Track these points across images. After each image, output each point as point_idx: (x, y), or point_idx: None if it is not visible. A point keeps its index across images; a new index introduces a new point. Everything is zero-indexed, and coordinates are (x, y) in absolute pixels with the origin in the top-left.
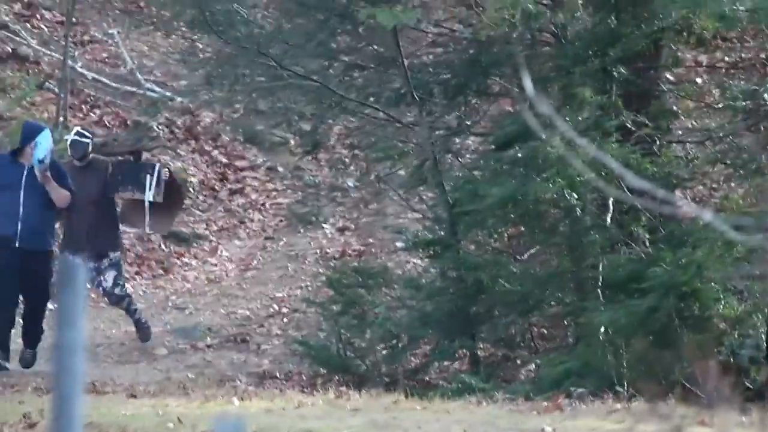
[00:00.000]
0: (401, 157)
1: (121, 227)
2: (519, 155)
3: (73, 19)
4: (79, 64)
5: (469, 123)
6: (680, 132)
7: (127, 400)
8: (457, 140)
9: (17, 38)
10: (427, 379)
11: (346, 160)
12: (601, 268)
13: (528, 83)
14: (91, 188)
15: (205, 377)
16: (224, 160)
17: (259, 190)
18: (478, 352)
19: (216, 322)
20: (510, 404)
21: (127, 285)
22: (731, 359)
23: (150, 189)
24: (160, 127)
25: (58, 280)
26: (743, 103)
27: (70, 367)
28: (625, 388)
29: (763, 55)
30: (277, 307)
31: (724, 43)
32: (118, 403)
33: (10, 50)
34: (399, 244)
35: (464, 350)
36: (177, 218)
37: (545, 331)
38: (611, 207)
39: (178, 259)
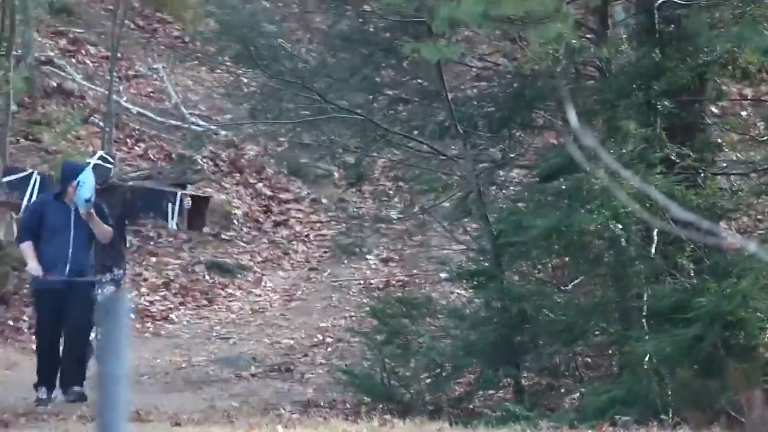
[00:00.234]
0: (445, 189)
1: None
2: (563, 187)
3: (118, 54)
4: (124, 98)
5: (513, 155)
6: (725, 164)
7: (172, 429)
8: (502, 172)
9: (63, 73)
10: (472, 407)
11: (390, 192)
12: (645, 298)
13: (572, 116)
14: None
15: (249, 406)
16: (268, 193)
17: (303, 221)
18: (523, 381)
19: (260, 352)
20: None
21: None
22: None
23: (173, 217)
24: (204, 160)
25: (101, 312)
26: None
27: (114, 396)
28: (670, 416)
29: None
30: (321, 337)
31: None
32: None
33: (55, 85)
34: (443, 275)
35: (508, 379)
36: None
37: (590, 360)
38: (656, 238)
39: (222, 289)
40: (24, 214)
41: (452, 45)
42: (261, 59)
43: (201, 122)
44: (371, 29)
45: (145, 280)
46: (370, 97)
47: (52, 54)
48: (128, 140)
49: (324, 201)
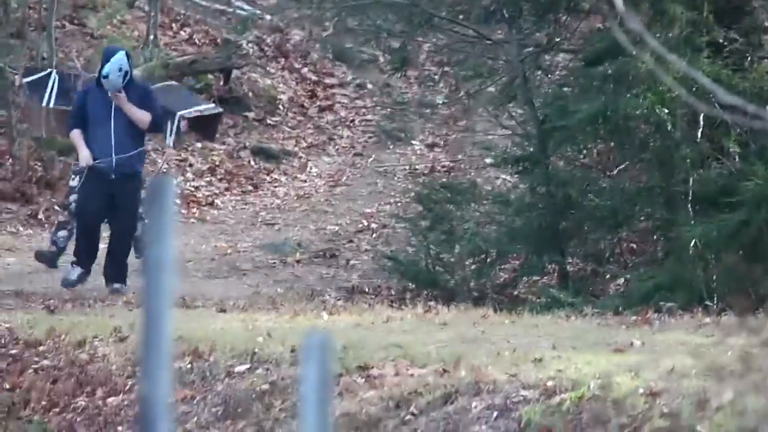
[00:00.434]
0: (491, 74)
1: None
2: (609, 71)
3: None
4: None
5: (558, 40)
6: None
7: (217, 315)
8: (547, 57)
9: None
10: (516, 293)
11: (435, 77)
12: (691, 183)
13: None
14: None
15: (294, 292)
16: (313, 78)
17: (348, 107)
18: (567, 267)
19: (305, 238)
20: (599, 318)
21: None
22: None
23: (171, 135)
24: (249, 45)
25: (147, 196)
26: None
27: (160, 282)
28: (715, 302)
29: None
30: (365, 223)
31: None
32: (208, 318)
33: None
34: (488, 160)
35: (553, 265)
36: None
37: (634, 246)
38: (701, 122)
39: (267, 175)
40: (73, 101)
41: None
42: None
43: (246, 6)
44: None
45: (191, 165)
46: None
47: None
48: (173, 25)
49: (369, 86)
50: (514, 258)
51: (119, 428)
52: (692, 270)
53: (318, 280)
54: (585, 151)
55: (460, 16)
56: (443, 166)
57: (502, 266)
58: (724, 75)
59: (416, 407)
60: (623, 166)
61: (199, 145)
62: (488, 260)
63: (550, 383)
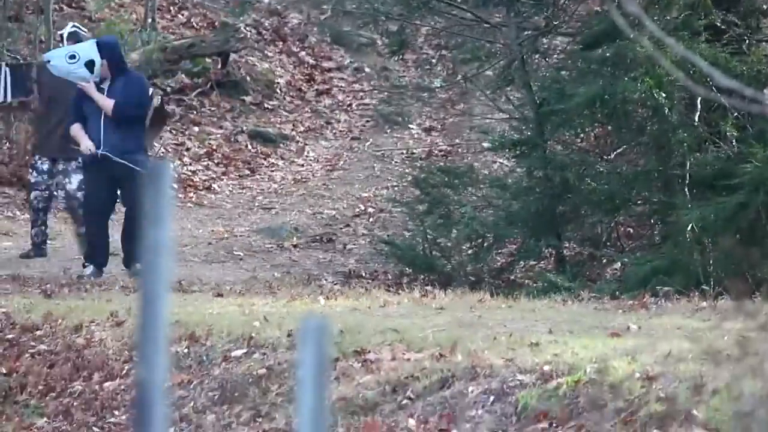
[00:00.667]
0: (488, 58)
1: None
2: (607, 55)
3: None
4: None
5: (556, 23)
6: None
7: (214, 299)
8: (545, 40)
9: None
10: (513, 278)
11: (433, 60)
12: (688, 166)
13: None
14: (73, 89)
15: (291, 276)
16: (311, 61)
17: (345, 90)
18: (564, 251)
19: (302, 222)
20: (595, 303)
21: None
22: None
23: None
24: (247, 28)
25: (144, 179)
26: None
27: (157, 266)
28: (712, 286)
29: None
30: (363, 207)
31: None
32: (204, 302)
33: None
34: (485, 144)
35: (550, 249)
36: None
37: (631, 230)
38: (699, 106)
39: (264, 159)
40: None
41: None
42: None
43: None
44: None
45: (188, 149)
46: None
47: None
48: (171, 8)
49: (367, 70)
50: (511, 242)
51: (116, 413)
52: (689, 254)
53: (315, 265)
54: (582, 135)
55: None
56: (440, 150)
57: (499, 250)
58: (722, 58)
59: (413, 392)
60: (620, 149)
61: (196, 129)
62: (485, 244)
63: (546, 368)
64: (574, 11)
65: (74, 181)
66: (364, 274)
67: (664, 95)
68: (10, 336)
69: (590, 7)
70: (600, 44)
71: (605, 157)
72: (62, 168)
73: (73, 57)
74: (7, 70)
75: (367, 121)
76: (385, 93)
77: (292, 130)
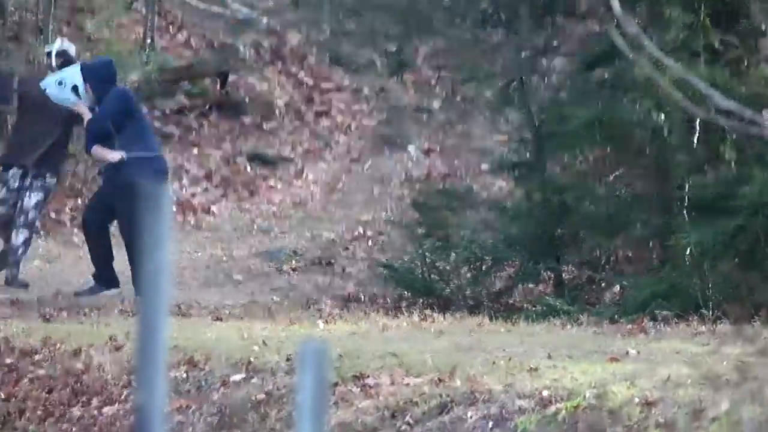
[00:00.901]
0: (487, 79)
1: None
2: (606, 76)
3: None
4: None
5: (555, 43)
6: None
7: (213, 323)
8: (544, 61)
9: None
10: (512, 301)
11: (432, 81)
12: (687, 189)
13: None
14: (58, 108)
15: (290, 300)
16: (310, 82)
17: (344, 112)
18: (563, 275)
19: (301, 245)
20: (595, 327)
21: (38, 224)
22: None
23: None
24: (246, 49)
25: (143, 203)
26: None
27: (156, 290)
28: (711, 310)
29: None
30: (362, 230)
31: None
32: (203, 326)
33: None
34: (484, 166)
35: (549, 273)
36: None
37: (630, 254)
38: (698, 128)
39: (263, 181)
40: None
41: None
42: None
43: (243, 9)
44: None
45: (187, 171)
46: None
47: None
48: (170, 27)
49: (366, 91)
50: (509, 265)
51: None
52: (688, 278)
53: (314, 288)
54: (581, 157)
55: (457, 20)
56: (439, 172)
57: (498, 274)
58: (721, 79)
59: (412, 417)
60: (619, 172)
61: (195, 150)
62: (484, 268)
63: (545, 393)
64: (573, 31)
65: (33, 198)
66: (363, 298)
67: (663, 117)
68: (8, 360)
69: (589, 27)
70: (599, 65)
71: (604, 179)
72: (29, 182)
73: (60, 83)
74: None
75: (367, 143)
76: (384, 114)
77: (291, 151)
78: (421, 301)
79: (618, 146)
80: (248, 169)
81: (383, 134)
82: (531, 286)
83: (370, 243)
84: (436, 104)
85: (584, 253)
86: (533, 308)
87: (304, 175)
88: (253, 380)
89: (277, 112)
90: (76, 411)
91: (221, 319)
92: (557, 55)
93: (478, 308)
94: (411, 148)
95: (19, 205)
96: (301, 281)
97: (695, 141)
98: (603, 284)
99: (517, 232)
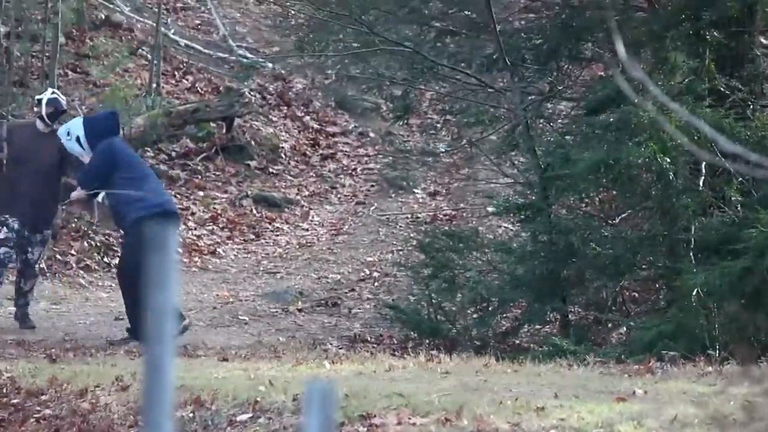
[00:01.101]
0: (493, 122)
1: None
2: (611, 120)
3: None
4: (172, 30)
5: (560, 88)
6: None
7: (219, 364)
8: (549, 105)
9: (111, 5)
10: (518, 342)
11: (438, 125)
12: (693, 231)
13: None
14: (47, 157)
15: (296, 341)
16: (316, 126)
17: (350, 155)
18: (569, 316)
19: (307, 286)
20: (601, 367)
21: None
22: None
23: None
24: (252, 93)
25: (149, 243)
26: None
27: (162, 331)
28: (717, 350)
29: None
30: (368, 271)
31: None
32: (209, 367)
33: (103, 17)
34: (490, 209)
35: (555, 313)
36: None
37: (636, 295)
38: (704, 171)
39: (269, 223)
40: None
41: None
42: None
43: (249, 55)
44: None
45: (193, 214)
46: (418, 29)
47: None
48: (176, 73)
49: (371, 134)
50: (515, 306)
51: None
52: (695, 318)
53: (320, 329)
54: (587, 200)
55: (462, 64)
56: (445, 215)
57: (504, 315)
58: (726, 123)
59: None
60: (625, 214)
61: (201, 193)
62: (490, 309)
63: None
64: (578, 76)
65: (36, 253)
66: (369, 339)
67: (668, 160)
68: (15, 400)
69: (594, 72)
70: (604, 109)
71: (610, 221)
72: (27, 235)
73: (68, 134)
74: None
75: (372, 186)
76: (390, 157)
77: (297, 194)
78: (427, 341)
79: (623, 189)
80: (254, 211)
81: (389, 177)
82: (537, 326)
83: (376, 284)
84: (441, 148)
85: (590, 294)
86: (540, 348)
87: (310, 217)
88: (260, 420)
89: (282, 155)
90: None
91: (228, 360)
92: (562, 99)
93: (485, 349)
94: (417, 190)
95: (23, 258)
96: (307, 322)
97: (701, 184)
98: (609, 325)
99: (523, 274)
